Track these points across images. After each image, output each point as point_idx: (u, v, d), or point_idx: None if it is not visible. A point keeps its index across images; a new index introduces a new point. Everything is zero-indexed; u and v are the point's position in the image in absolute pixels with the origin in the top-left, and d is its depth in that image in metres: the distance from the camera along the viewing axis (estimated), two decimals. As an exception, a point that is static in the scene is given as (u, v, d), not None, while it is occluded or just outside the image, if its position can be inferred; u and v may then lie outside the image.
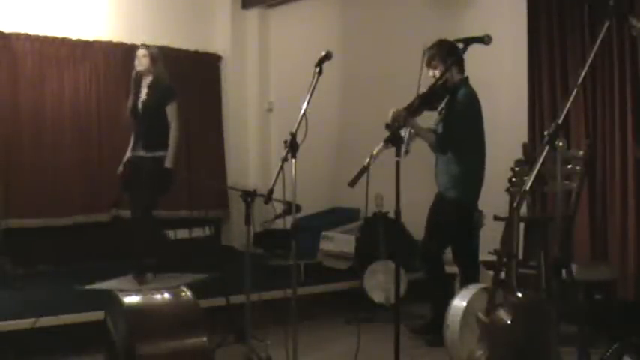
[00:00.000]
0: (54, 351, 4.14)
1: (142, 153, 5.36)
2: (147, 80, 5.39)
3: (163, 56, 5.58)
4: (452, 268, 4.74)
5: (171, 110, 5.37)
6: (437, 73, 4.37)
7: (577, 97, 4.52)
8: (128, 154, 5.47)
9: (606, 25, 2.60)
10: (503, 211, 3.73)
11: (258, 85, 7.75)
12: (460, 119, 4.43)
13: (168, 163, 5.31)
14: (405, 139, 4.26)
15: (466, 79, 4.51)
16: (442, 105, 4.53)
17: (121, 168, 5.52)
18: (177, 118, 5.41)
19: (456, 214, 4.49)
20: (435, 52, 4.44)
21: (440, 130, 4.50)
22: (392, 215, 3.29)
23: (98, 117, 6.62)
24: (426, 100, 4.29)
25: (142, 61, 5.36)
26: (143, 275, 5.29)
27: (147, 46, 5.49)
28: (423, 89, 4.40)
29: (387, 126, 3.99)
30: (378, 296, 5.17)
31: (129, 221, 6.15)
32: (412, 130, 4.44)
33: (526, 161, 3.47)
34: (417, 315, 4.92)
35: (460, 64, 4.46)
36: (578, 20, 4.91)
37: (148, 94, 5.37)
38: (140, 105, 5.37)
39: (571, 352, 3.24)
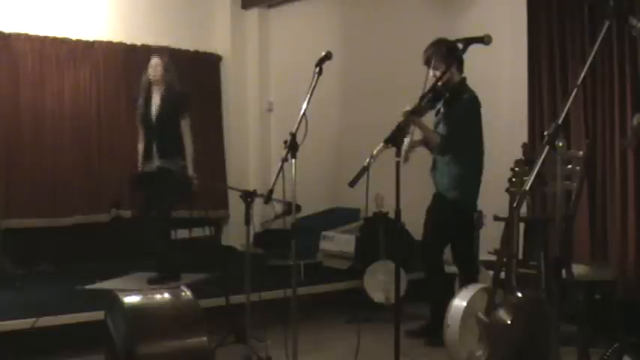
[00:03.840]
0: (54, 351, 4.14)
1: (158, 163, 5.32)
2: (159, 89, 5.34)
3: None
4: (452, 268, 4.74)
5: (185, 123, 5.35)
6: (437, 73, 4.37)
7: (577, 97, 4.52)
8: (141, 163, 5.42)
9: (606, 25, 2.59)
10: (503, 211, 3.73)
11: (258, 85, 7.76)
12: (466, 122, 4.45)
13: (192, 175, 5.33)
14: (405, 147, 4.27)
15: (464, 79, 4.51)
16: (439, 105, 4.53)
17: (137, 175, 5.46)
18: (191, 131, 5.40)
19: (456, 215, 4.49)
20: (434, 52, 4.44)
21: (441, 130, 4.49)
22: (392, 215, 3.29)
23: (98, 117, 6.63)
24: (431, 100, 4.30)
25: (155, 70, 5.29)
26: (171, 277, 5.31)
27: (159, 55, 5.44)
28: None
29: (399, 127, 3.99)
30: (378, 296, 5.16)
31: (129, 221, 6.18)
32: (412, 138, 4.45)
33: (526, 161, 3.48)
34: (417, 315, 4.92)
35: (459, 64, 4.46)
36: (578, 20, 4.90)
37: (161, 104, 5.32)
38: (154, 115, 5.33)
39: (571, 352, 3.24)
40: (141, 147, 5.43)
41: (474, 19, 5.77)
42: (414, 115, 4.16)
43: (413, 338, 4.55)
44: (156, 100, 5.33)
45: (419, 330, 4.63)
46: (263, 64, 7.76)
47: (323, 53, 3.58)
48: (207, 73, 7.48)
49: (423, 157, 4.71)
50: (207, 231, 6.93)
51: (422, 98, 3.83)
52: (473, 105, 4.48)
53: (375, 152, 3.17)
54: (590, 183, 4.76)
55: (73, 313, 4.35)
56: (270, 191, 3.59)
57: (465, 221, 4.48)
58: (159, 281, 5.24)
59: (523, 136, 5.06)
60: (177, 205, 5.65)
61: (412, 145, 4.48)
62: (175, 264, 5.45)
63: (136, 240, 5.69)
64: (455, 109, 4.46)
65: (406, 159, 4.32)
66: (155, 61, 5.34)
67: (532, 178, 2.45)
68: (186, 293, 3.19)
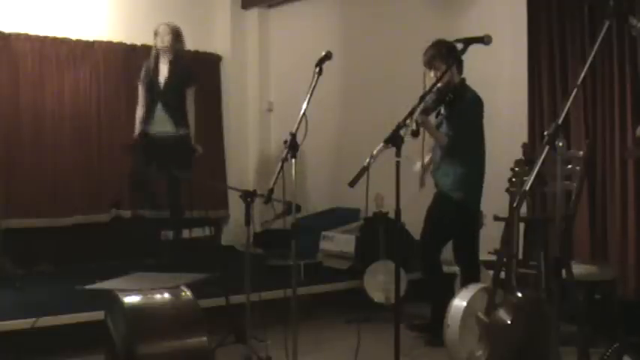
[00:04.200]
0: (54, 351, 4.14)
1: (161, 128, 5.34)
2: (167, 57, 5.36)
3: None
4: (452, 268, 4.74)
5: (190, 95, 5.41)
6: (438, 73, 4.37)
7: (577, 97, 4.52)
8: (140, 126, 5.42)
9: (606, 25, 2.59)
10: (503, 211, 3.73)
11: (258, 85, 7.76)
12: (470, 122, 4.44)
13: (198, 148, 5.41)
14: (419, 170, 4.32)
15: (464, 79, 4.51)
16: (440, 106, 4.53)
17: (136, 137, 5.46)
18: (195, 103, 5.43)
19: (461, 215, 4.48)
20: (435, 53, 4.44)
21: (445, 131, 4.48)
22: (392, 215, 3.29)
23: (98, 117, 6.62)
24: (436, 101, 4.31)
25: (164, 39, 5.35)
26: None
27: (168, 24, 5.45)
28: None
29: (414, 133, 4.02)
30: (378, 296, 5.16)
31: (132, 221, 6.18)
32: (425, 161, 4.49)
33: (526, 161, 3.48)
34: (417, 315, 4.92)
35: (459, 65, 4.46)
36: (578, 20, 4.91)
37: (170, 71, 5.34)
38: (162, 82, 5.34)
39: (571, 352, 3.24)
40: (140, 112, 5.43)
41: (474, 19, 5.77)
42: (423, 114, 4.17)
43: (414, 331, 4.56)
44: (163, 69, 5.35)
45: (420, 325, 4.63)
46: (263, 64, 7.76)
47: (323, 53, 3.58)
48: (207, 73, 7.47)
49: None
50: (207, 231, 6.92)
51: (422, 98, 3.83)
52: (476, 105, 4.47)
53: (375, 152, 3.17)
54: (590, 183, 4.76)
55: (73, 313, 4.35)
56: (270, 191, 3.59)
57: (468, 221, 4.49)
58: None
59: (523, 136, 5.06)
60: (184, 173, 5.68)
61: (427, 166, 4.52)
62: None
63: (136, 240, 5.69)
64: (458, 109, 4.45)
65: (422, 183, 4.38)
66: (164, 28, 5.36)
67: (532, 178, 2.45)
68: (186, 293, 3.19)
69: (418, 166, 4.48)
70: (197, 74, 5.52)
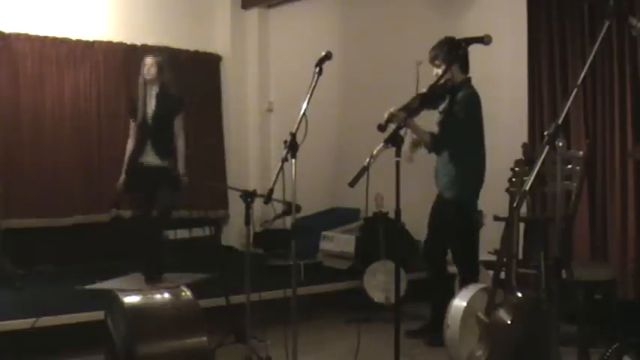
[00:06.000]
0: (54, 351, 4.14)
1: (152, 160, 5.34)
2: (154, 88, 5.35)
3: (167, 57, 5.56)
4: (452, 268, 4.74)
5: (178, 122, 5.38)
6: (439, 72, 4.37)
7: (577, 97, 4.52)
8: (129, 159, 5.42)
9: (606, 25, 2.59)
10: (503, 211, 3.73)
11: (258, 85, 7.76)
12: (458, 120, 4.42)
13: (182, 173, 5.36)
14: (406, 147, 4.29)
15: (468, 79, 4.49)
16: (444, 105, 4.52)
17: (123, 176, 5.45)
18: (183, 131, 5.42)
19: (454, 214, 4.48)
20: (437, 52, 4.44)
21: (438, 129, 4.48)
22: (392, 215, 3.29)
23: (98, 117, 6.63)
24: (426, 100, 4.28)
25: (150, 70, 5.30)
26: (160, 276, 5.31)
27: (154, 54, 5.43)
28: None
29: (380, 127, 4.00)
30: (378, 296, 5.16)
31: (129, 221, 6.17)
32: (413, 136, 4.45)
33: (526, 161, 3.48)
34: (417, 315, 4.92)
35: (463, 64, 4.45)
36: (578, 19, 4.91)
37: (156, 103, 5.33)
38: (150, 114, 5.34)
39: (571, 352, 3.24)
40: (131, 144, 5.43)
41: (474, 19, 5.77)
42: (407, 115, 4.15)
43: (413, 338, 4.55)
44: (151, 100, 5.34)
45: (419, 330, 4.63)
46: (263, 64, 7.76)
47: (323, 53, 3.58)
48: (207, 73, 7.48)
49: (423, 158, 4.70)
50: (207, 231, 6.93)
51: (420, 97, 3.83)
52: (468, 102, 4.43)
53: (375, 152, 3.17)
54: (590, 183, 4.76)
55: (73, 313, 4.35)
56: (270, 191, 3.59)
57: (464, 221, 4.48)
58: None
59: (523, 136, 5.06)
60: (173, 205, 5.64)
61: (414, 144, 4.48)
62: (162, 265, 5.44)
63: (135, 240, 5.68)
64: (452, 107, 4.45)
65: (410, 159, 4.35)
66: (149, 60, 5.34)
67: (532, 178, 2.44)
68: (186, 293, 3.19)
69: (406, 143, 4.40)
70: (182, 106, 5.47)
